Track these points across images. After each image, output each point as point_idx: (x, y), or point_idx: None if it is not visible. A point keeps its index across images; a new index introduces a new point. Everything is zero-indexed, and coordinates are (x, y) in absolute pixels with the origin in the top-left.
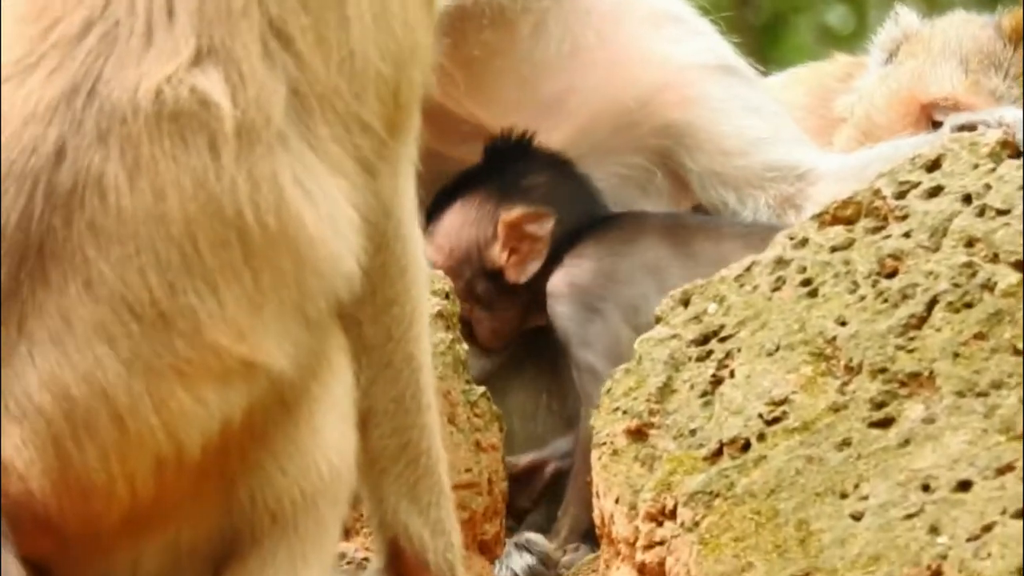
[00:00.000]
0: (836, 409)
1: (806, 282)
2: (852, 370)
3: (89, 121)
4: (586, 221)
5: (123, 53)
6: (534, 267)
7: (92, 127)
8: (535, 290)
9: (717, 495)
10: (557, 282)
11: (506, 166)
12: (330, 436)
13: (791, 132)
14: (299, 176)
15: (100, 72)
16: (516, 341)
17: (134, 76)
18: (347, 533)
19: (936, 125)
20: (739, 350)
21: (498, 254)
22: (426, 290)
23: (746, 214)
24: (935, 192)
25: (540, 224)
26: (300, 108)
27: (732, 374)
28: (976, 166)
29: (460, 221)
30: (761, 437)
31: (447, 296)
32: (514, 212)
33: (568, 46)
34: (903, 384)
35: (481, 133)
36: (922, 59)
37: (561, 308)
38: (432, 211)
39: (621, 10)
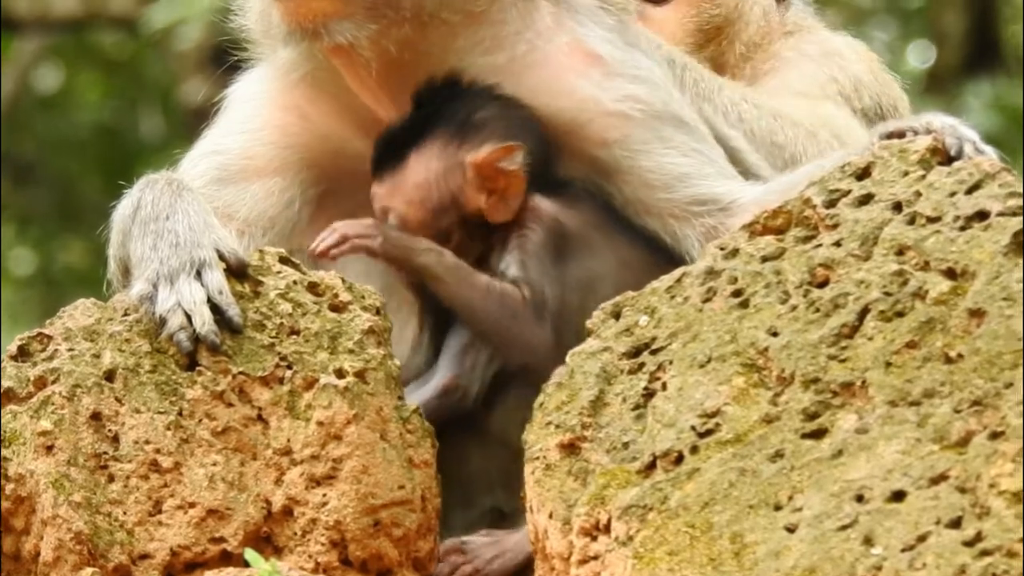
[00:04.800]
0: (769, 420)
1: (737, 292)
2: (784, 381)
3: None
4: (550, 153)
5: None
6: (517, 201)
7: None
8: (506, 230)
9: (651, 509)
10: (545, 208)
11: (447, 107)
12: None
13: (717, 168)
14: None
15: None
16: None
17: None
18: (280, 551)
19: None
20: (671, 362)
21: (476, 197)
22: None
23: (674, 246)
24: (865, 200)
25: (511, 158)
26: None
27: (664, 386)
28: (906, 173)
29: (424, 172)
30: (694, 450)
31: (378, 312)
32: (481, 152)
33: (485, 62)
34: (835, 394)
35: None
36: None
37: (535, 233)
38: (379, 167)
39: (548, 44)
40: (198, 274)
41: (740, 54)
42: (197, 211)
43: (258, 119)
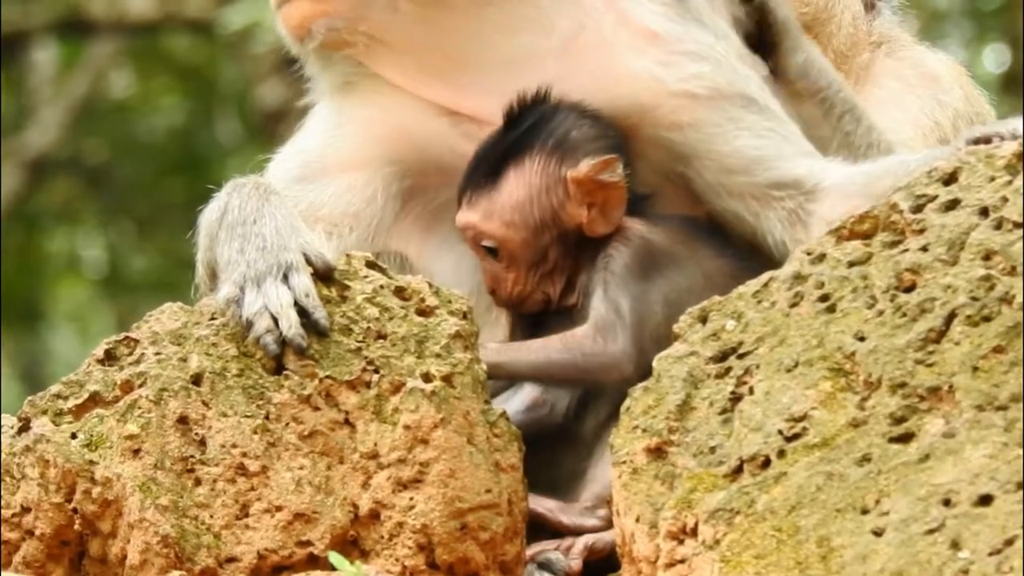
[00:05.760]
0: (856, 424)
1: (824, 297)
2: (871, 385)
3: None
4: (634, 170)
5: None
6: (618, 213)
7: None
8: (594, 251)
9: (738, 512)
10: (633, 227)
11: (538, 128)
12: None
13: (795, 148)
14: None
15: None
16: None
17: None
18: (367, 555)
19: None
20: (758, 366)
21: (578, 212)
22: None
23: (758, 228)
24: (952, 205)
25: (612, 171)
26: None
27: (751, 391)
28: (992, 179)
29: (524, 192)
30: (781, 454)
31: (465, 316)
32: (582, 167)
33: (530, 44)
34: (922, 399)
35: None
36: None
37: (621, 253)
38: (470, 193)
39: (597, 22)
40: (285, 277)
41: (828, 60)
42: (284, 215)
43: (339, 116)
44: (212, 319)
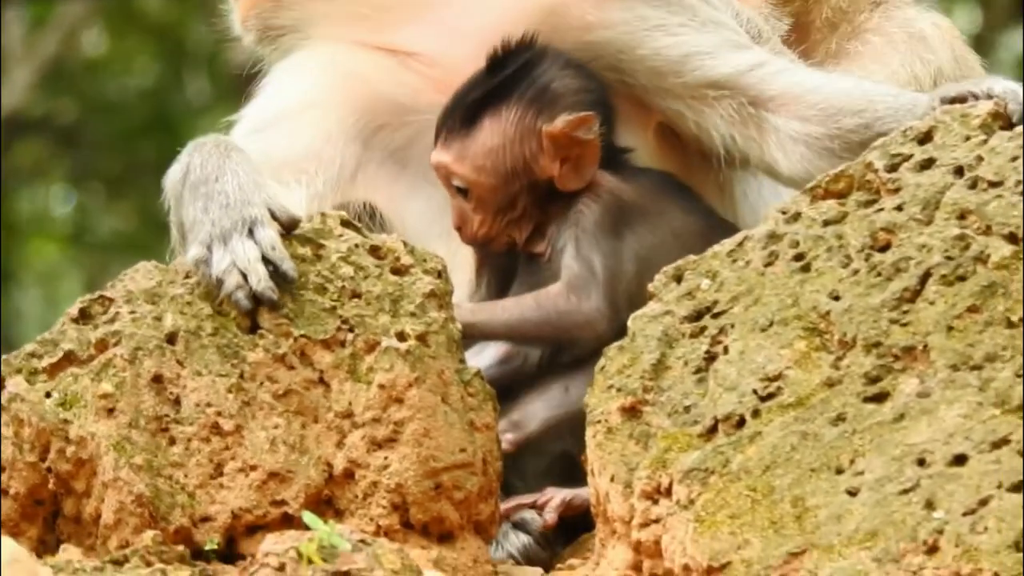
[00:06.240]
0: (830, 384)
1: (799, 256)
2: (846, 344)
3: None
4: (614, 125)
5: None
6: (590, 171)
7: None
8: (566, 203)
9: (712, 472)
10: (603, 182)
11: (521, 75)
12: None
13: (714, 40)
14: None
15: None
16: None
17: None
18: (341, 514)
19: None
20: (732, 326)
21: (550, 166)
22: None
23: (701, 124)
24: (927, 165)
25: (587, 128)
26: None
27: (726, 350)
28: (968, 138)
29: (498, 139)
30: (756, 413)
31: (440, 275)
32: (557, 123)
33: None
34: (897, 358)
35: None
36: None
37: (592, 210)
38: (446, 133)
39: None
40: (250, 232)
41: (826, 18)
42: (246, 171)
43: (285, 73)
44: (186, 278)
